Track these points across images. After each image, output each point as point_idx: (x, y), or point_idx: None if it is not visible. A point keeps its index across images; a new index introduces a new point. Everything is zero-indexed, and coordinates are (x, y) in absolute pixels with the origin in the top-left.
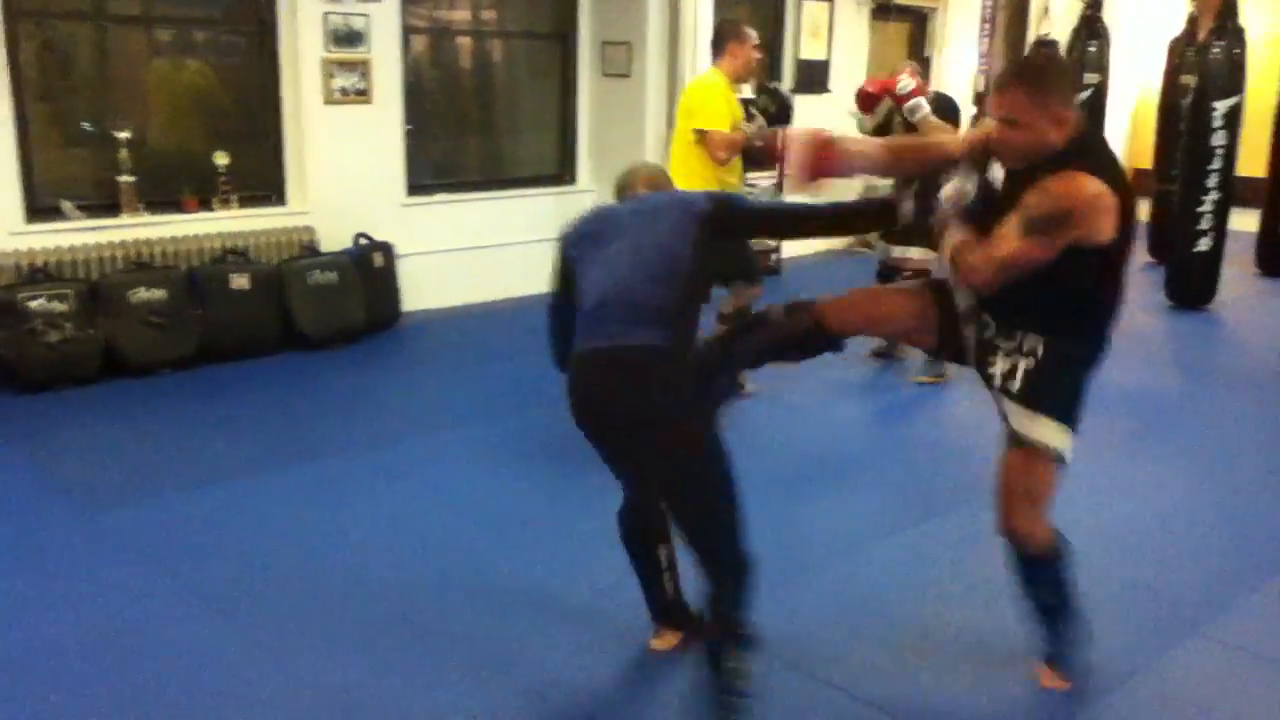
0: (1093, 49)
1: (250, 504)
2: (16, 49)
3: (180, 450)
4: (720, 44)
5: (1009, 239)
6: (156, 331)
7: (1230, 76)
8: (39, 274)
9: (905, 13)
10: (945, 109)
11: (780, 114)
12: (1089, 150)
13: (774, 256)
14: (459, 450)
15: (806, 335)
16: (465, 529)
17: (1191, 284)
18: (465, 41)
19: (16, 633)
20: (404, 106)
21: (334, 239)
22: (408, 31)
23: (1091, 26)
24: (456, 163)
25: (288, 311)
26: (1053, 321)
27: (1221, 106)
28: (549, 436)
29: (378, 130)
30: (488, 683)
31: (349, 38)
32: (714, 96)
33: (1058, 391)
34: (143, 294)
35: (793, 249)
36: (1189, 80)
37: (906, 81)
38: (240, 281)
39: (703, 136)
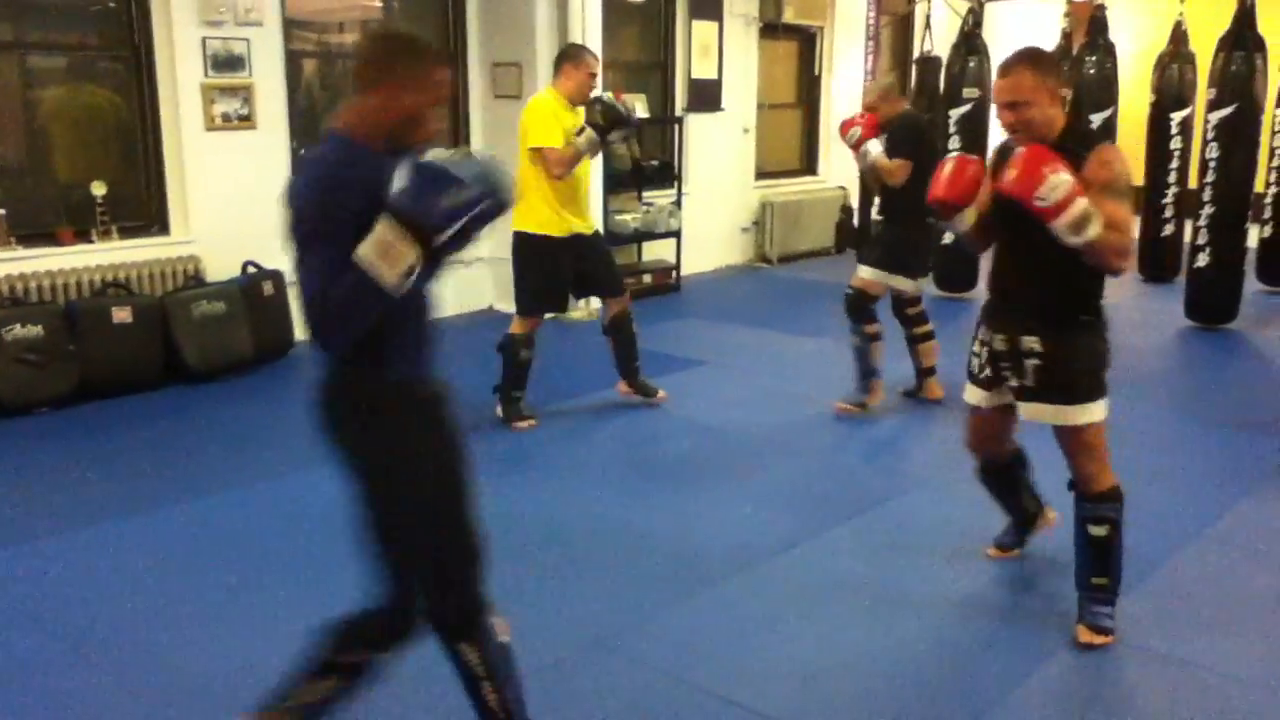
0: (973, 64)
1: (125, 545)
2: None
3: (55, 492)
4: (558, 66)
5: (1118, 209)
6: (33, 370)
7: (1104, 90)
8: None
9: (793, 31)
10: (910, 129)
11: (612, 124)
12: (1090, 130)
13: (674, 273)
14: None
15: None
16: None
17: None
18: (352, 64)
19: None
20: (290, 130)
21: (221, 268)
22: (293, 55)
23: (971, 42)
24: None
25: (172, 344)
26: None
27: (1097, 119)
28: None
29: (263, 155)
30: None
31: (229, 63)
32: (544, 115)
33: (1076, 377)
34: (17, 331)
35: (695, 264)
36: (1065, 93)
37: (853, 133)
38: (122, 315)
39: (538, 154)
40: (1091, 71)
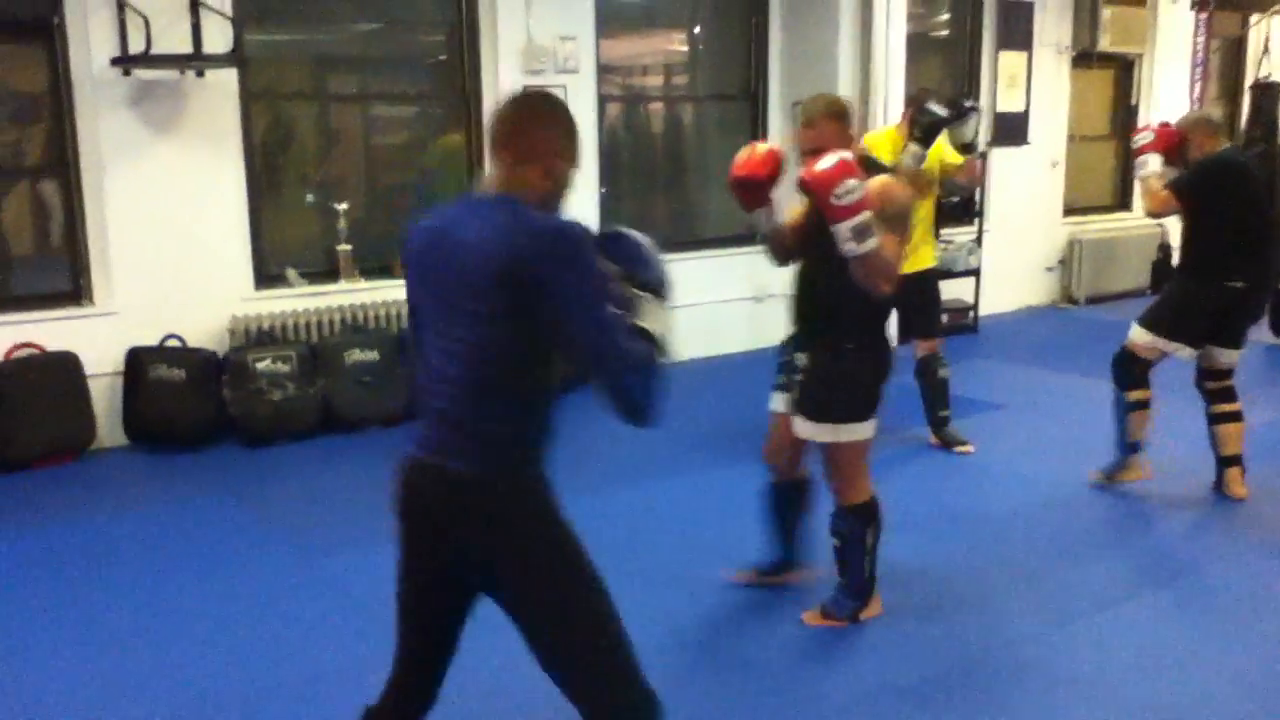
0: None
1: None
2: (250, 129)
3: (386, 501)
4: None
5: (890, 238)
6: (368, 390)
7: None
8: (265, 337)
9: (1109, 60)
10: (1213, 169)
11: (929, 129)
12: (881, 164)
13: (971, 313)
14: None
15: None
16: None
17: None
18: (657, 106)
19: (236, 675)
20: (599, 171)
21: None
22: (603, 99)
23: None
24: (648, 222)
25: None
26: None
27: None
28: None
29: (572, 196)
30: None
31: None
32: (874, 147)
33: (832, 399)
34: (357, 355)
35: (994, 304)
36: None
37: (1143, 136)
38: None
39: None
40: None
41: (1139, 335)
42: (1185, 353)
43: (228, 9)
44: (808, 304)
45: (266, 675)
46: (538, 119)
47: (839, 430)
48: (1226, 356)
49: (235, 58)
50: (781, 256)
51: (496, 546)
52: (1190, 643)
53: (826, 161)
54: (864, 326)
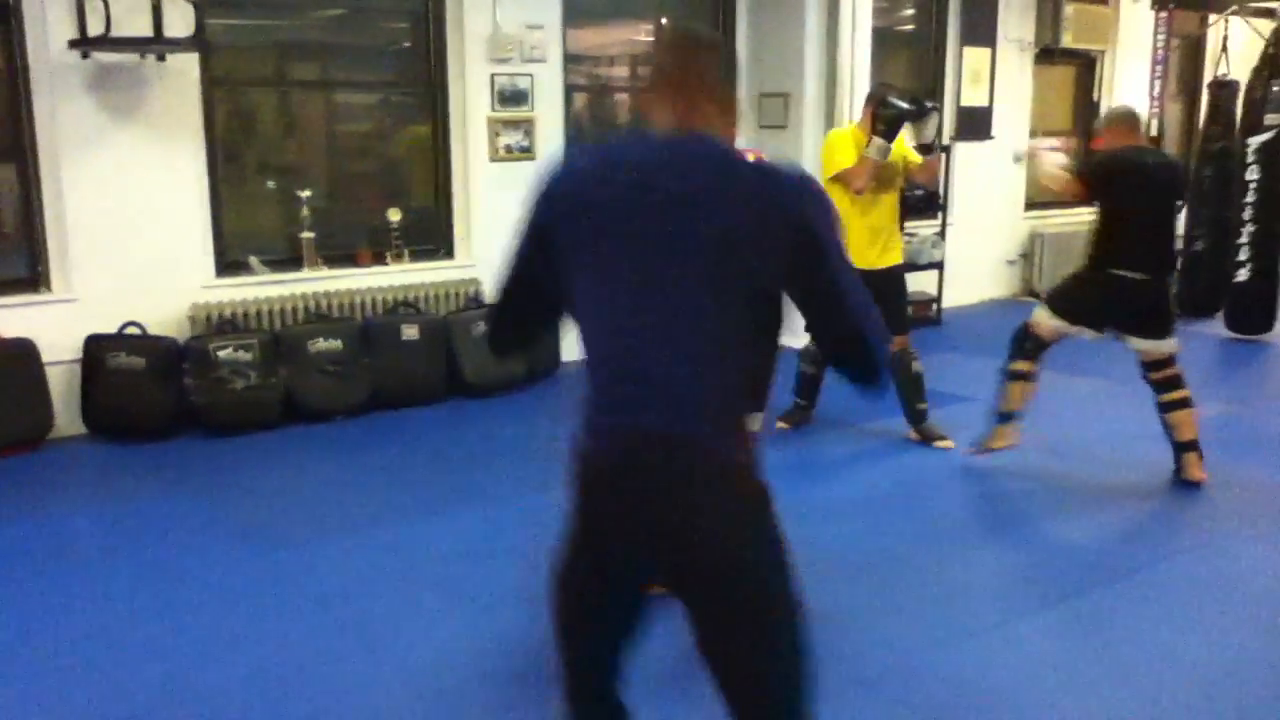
0: (1276, 89)
1: (413, 545)
2: (211, 116)
3: (351, 493)
4: (865, 105)
5: None
6: (332, 380)
7: None
8: (227, 325)
9: (1071, 56)
10: (1110, 162)
11: (894, 121)
12: None
13: (935, 305)
14: None
15: None
16: None
17: None
18: (624, 97)
19: (194, 669)
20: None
21: None
22: (570, 89)
23: (1275, 65)
24: None
25: (454, 360)
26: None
27: None
28: None
29: None
30: None
31: (514, 97)
32: (834, 144)
33: None
34: (321, 344)
35: (957, 297)
36: None
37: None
38: (410, 332)
39: (835, 184)
40: None
41: (1040, 315)
42: (1088, 334)
43: None
44: None
45: (224, 670)
46: (714, 54)
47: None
48: (1154, 347)
49: (197, 42)
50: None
51: (715, 528)
52: (1151, 633)
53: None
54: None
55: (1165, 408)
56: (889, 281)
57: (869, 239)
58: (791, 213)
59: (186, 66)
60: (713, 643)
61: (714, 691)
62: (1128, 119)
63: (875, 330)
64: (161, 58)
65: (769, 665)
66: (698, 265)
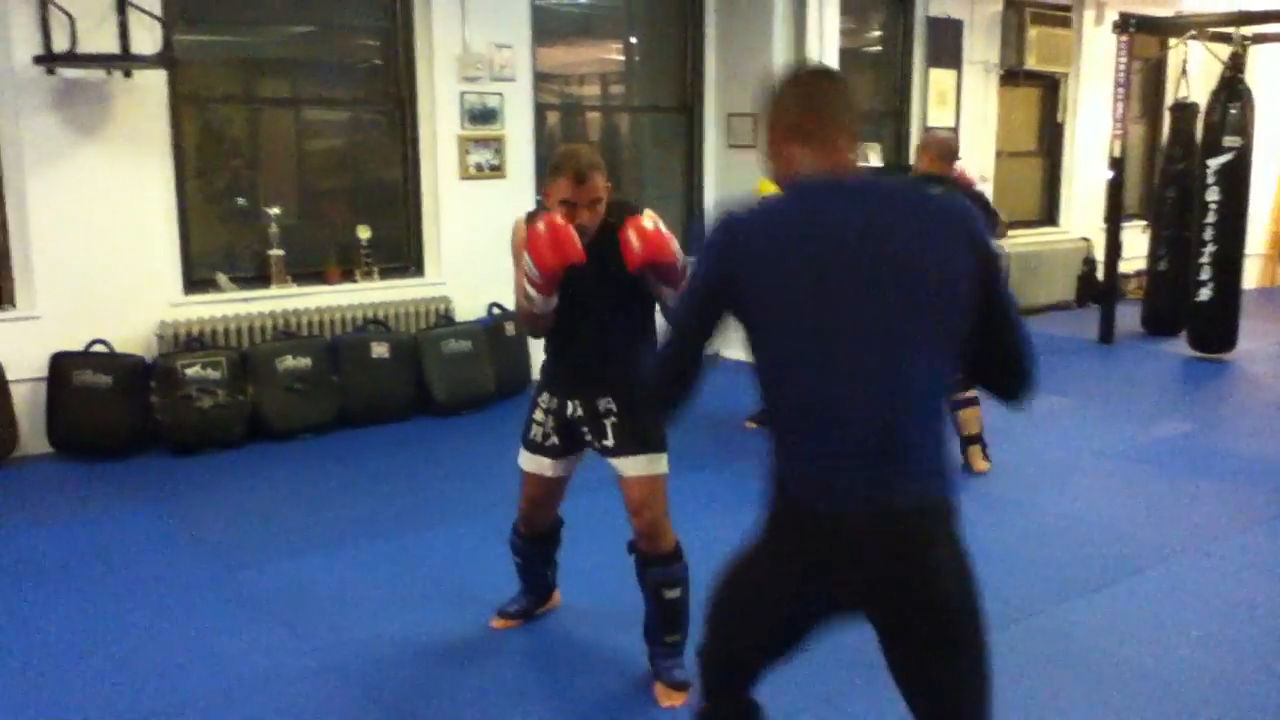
0: (1234, 111)
1: (380, 563)
2: (180, 132)
3: (317, 512)
4: None
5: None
6: (300, 398)
7: None
8: (195, 342)
9: (1035, 78)
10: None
11: None
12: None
13: None
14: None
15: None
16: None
17: None
18: (595, 116)
19: (159, 690)
20: (535, 180)
21: (468, 308)
22: (540, 108)
23: (1233, 88)
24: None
25: (423, 378)
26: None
27: None
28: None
29: (511, 203)
30: None
31: (484, 115)
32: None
33: (648, 428)
34: (289, 361)
35: None
36: None
37: None
38: (380, 350)
39: None
40: None
41: None
42: None
43: (156, 9)
44: (600, 353)
45: (187, 689)
46: (851, 91)
47: (664, 460)
48: None
49: (164, 59)
50: (546, 327)
51: (957, 581)
52: (1115, 648)
53: (652, 224)
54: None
55: (952, 406)
56: None
57: None
58: (978, 239)
59: (154, 83)
60: (933, 668)
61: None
62: (935, 146)
63: (1031, 348)
64: (128, 74)
65: (981, 681)
66: (922, 302)
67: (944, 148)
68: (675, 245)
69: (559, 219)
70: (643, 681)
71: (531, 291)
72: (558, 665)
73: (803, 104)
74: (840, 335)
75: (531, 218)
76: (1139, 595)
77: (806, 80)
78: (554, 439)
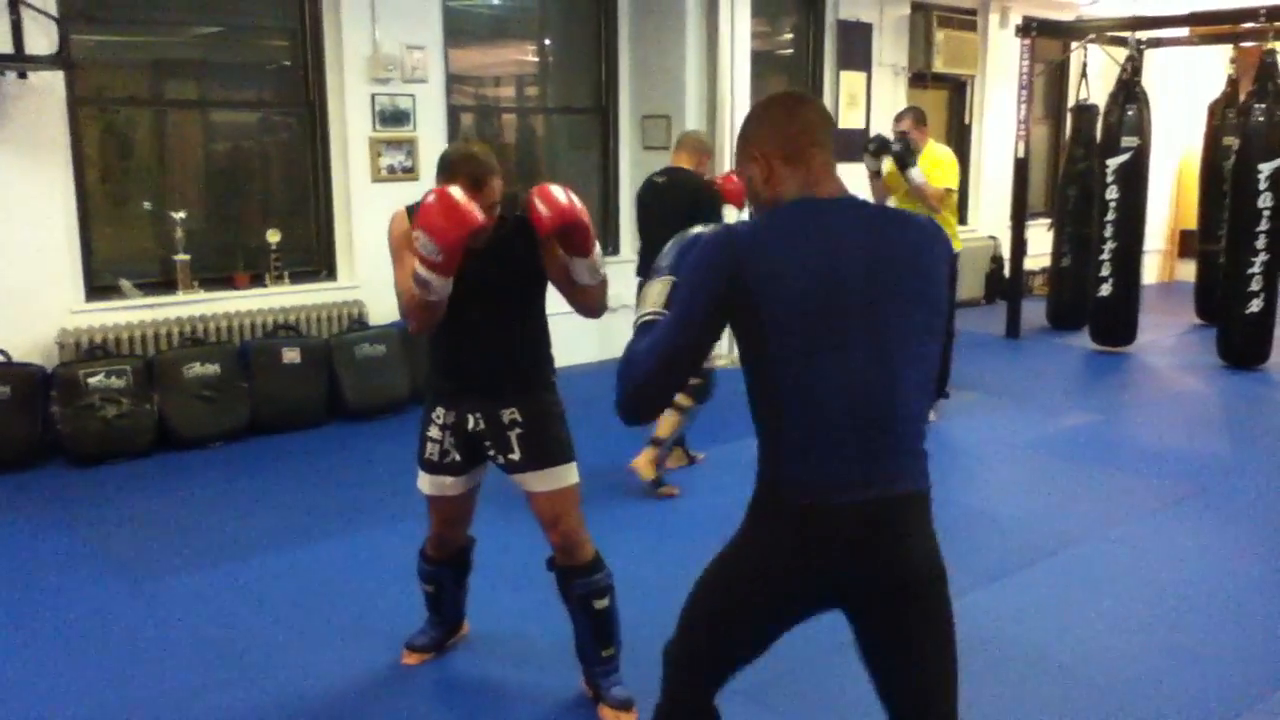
0: (1131, 112)
1: (293, 573)
2: (79, 135)
3: (227, 521)
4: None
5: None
6: (209, 405)
7: (1273, 137)
8: (98, 350)
9: (943, 80)
10: None
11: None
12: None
13: None
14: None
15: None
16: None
17: (1244, 345)
18: (510, 118)
19: (68, 706)
20: None
21: (383, 312)
22: (454, 110)
23: (1129, 90)
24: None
25: (336, 383)
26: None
27: (1266, 168)
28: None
29: None
30: None
31: (395, 117)
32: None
33: (557, 437)
34: (197, 369)
35: None
36: (1231, 142)
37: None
38: (291, 355)
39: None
40: (1260, 119)
41: None
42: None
43: (51, 8)
44: (502, 362)
45: (98, 709)
46: (832, 120)
47: (574, 469)
48: None
49: (61, 59)
50: (437, 318)
51: (932, 562)
52: (1024, 634)
53: (561, 191)
54: (551, 361)
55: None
56: None
57: None
58: (949, 255)
59: (51, 84)
60: (912, 649)
61: (894, 698)
62: (684, 143)
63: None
64: (23, 75)
65: (953, 662)
66: (917, 311)
67: (690, 144)
68: (584, 211)
69: (451, 188)
70: (577, 705)
71: (427, 275)
72: (485, 700)
73: (790, 127)
74: (844, 340)
75: (412, 211)
76: (1045, 581)
77: (792, 104)
78: (454, 455)
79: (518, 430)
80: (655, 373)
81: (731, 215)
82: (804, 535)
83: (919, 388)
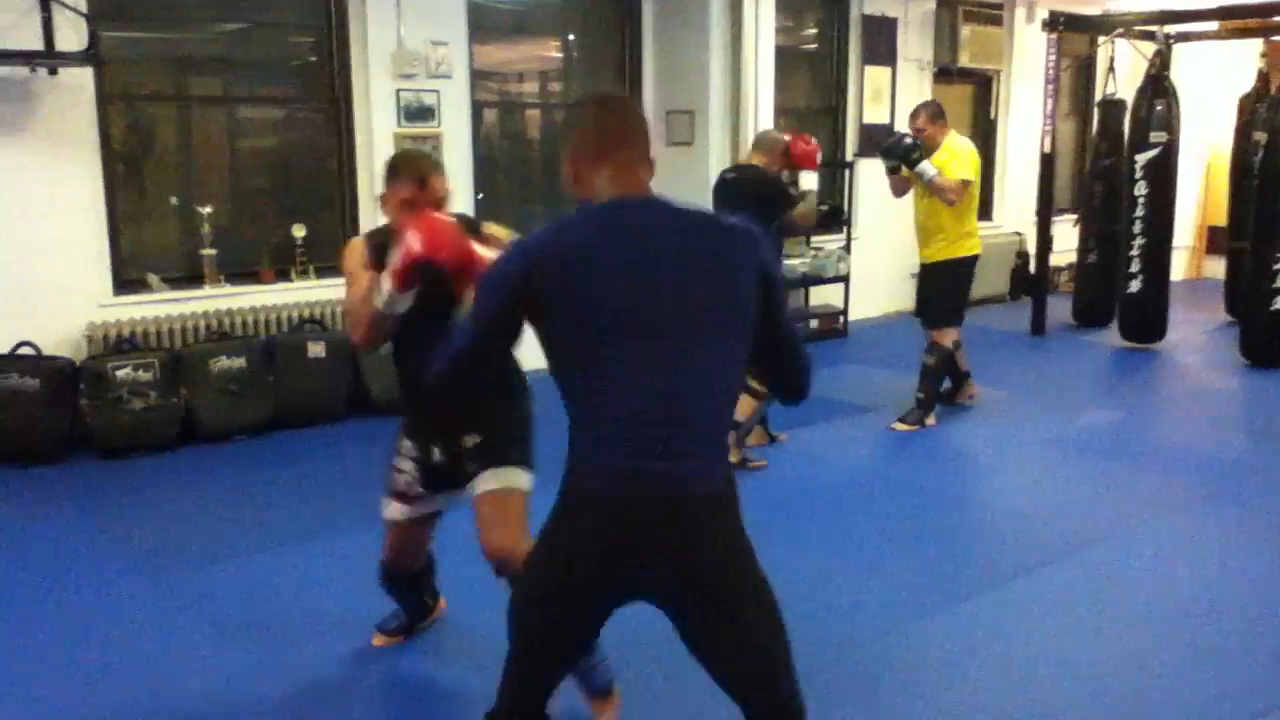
0: (1160, 108)
1: (318, 564)
2: (107, 131)
3: (252, 514)
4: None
5: None
6: (234, 399)
7: None
8: (125, 344)
9: (968, 75)
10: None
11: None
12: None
13: (841, 318)
14: None
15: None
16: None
17: (1268, 343)
18: (533, 114)
19: (95, 696)
20: (473, 178)
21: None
22: (478, 106)
23: (1158, 85)
24: (523, 230)
25: (360, 378)
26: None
27: None
28: None
29: (449, 202)
30: None
31: (420, 113)
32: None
33: (512, 443)
34: (223, 362)
35: (863, 309)
36: (1260, 137)
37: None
38: (316, 349)
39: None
40: None
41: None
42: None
43: (82, 5)
44: (460, 391)
45: (120, 699)
46: (646, 123)
47: (522, 474)
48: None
49: (90, 56)
50: (388, 334)
51: (735, 560)
52: (1042, 635)
53: (454, 221)
54: (518, 373)
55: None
56: (928, 274)
57: (920, 237)
58: (764, 261)
59: (80, 81)
60: (729, 632)
61: (728, 682)
62: (759, 143)
63: (806, 360)
64: (53, 71)
65: (773, 638)
66: (717, 310)
67: (763, 144)
68: (473, 248)
69: (432, 214)
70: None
71: (389, 288)
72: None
73: (603, 130)
74: (643, 333)
75: (372, 237)
76: (1068, 578)
77: (606, 107)
78: (419, 488)
79: (477, 447)
80: (446, 375)
81: (808, 181)
82: (593, 525)
83: (721, 388)
